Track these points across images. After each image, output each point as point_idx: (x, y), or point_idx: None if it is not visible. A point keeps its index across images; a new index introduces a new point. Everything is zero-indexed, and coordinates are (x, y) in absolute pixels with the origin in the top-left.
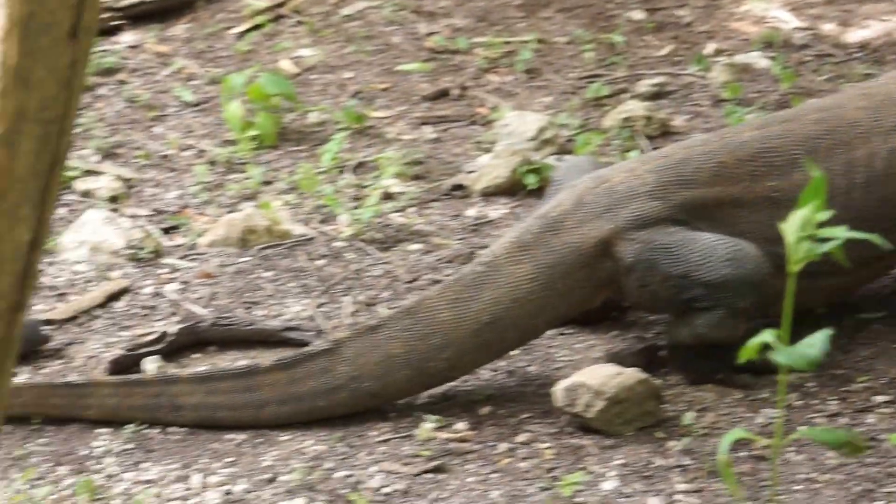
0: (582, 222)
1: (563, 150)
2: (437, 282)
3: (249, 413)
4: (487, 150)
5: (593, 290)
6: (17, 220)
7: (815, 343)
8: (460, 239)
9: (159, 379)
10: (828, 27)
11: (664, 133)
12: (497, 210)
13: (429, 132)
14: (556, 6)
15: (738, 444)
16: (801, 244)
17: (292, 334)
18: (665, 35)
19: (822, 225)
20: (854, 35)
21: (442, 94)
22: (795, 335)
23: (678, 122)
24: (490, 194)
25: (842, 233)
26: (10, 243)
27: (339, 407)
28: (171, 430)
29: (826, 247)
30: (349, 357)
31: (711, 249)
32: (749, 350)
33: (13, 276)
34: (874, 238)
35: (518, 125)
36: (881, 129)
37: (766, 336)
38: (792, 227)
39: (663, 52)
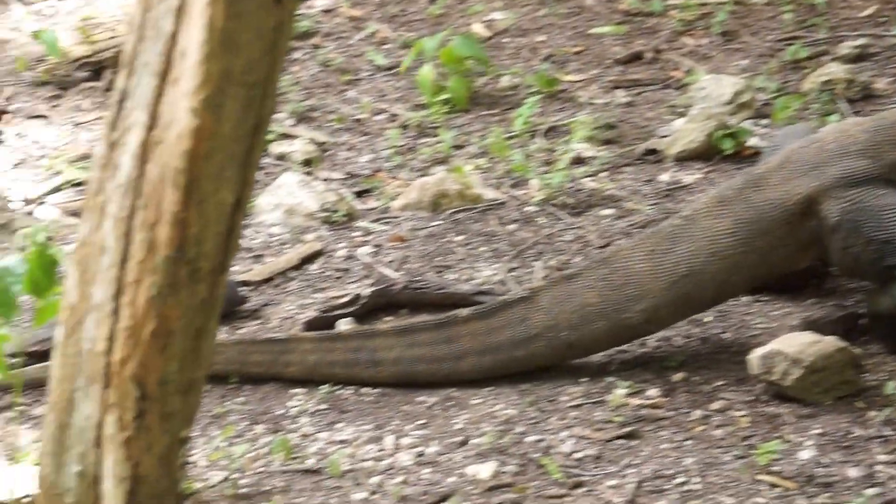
0: (786, 179)
1: (760, 115)
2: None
3: (448, 365)
4: (682, 115)
5: (794, 251)
6: (221, 182)
7: None
8: (653, 204)
9: (359, 333)
10: None
11: (866, 97)
12: (691, 175)
13: (621, 96)
14: None
15: None
16: None
17: (483, 298)
18: None
19: None
20: None
21: (635, 58)
22: None
23: (881, 84)
24: (684, 159)
25: None
26: (215, 205)
27: (537, 358)
28: (363, 391)
29: None
30: (546, 306)
31: None
32: None
33: (217, 238)
34: None
35: (714, 89)
36: None
37: None
38: None
39: (866, 12)
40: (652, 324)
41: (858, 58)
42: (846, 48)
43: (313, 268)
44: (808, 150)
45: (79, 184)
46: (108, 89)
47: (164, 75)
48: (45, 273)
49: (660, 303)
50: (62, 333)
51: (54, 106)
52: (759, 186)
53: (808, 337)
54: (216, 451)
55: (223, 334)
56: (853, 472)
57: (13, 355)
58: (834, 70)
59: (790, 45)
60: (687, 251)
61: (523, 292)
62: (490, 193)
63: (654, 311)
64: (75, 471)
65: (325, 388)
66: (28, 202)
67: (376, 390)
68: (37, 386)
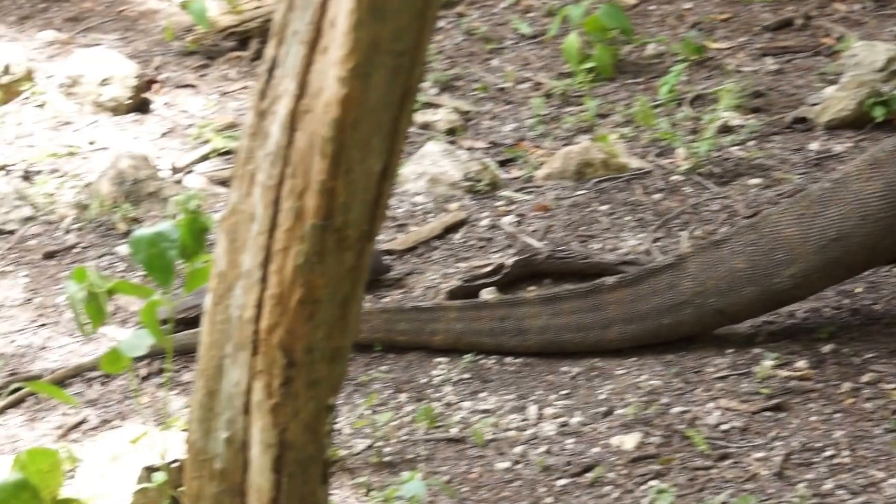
0: None
1: None
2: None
3: (595, 334)
4: (832, 82)
5: None
6: (369, 151)
7: None
8: (802, 173)
9: (505, 302)
10: None
11: None
12: (842, 144)
13: (770, 64)
14: None
15: None
16: None
17: (628, 268)
18: None
19: None
20: None
21: (785, 24)
22: None
23: None
24: (835, 127)
25: None
26: (363, 173)
27: (684, 325)
28: (506, 360)
29: None
30: (693, 272)
31: None
32: None
33: (364, 206)
34: None
35: (866, 55)
36: None
37: None
38: None
39: None
40: (801, 289)
41: None
42: None
43: (457, 237)
44: None
45: (225, 152)
46: (255, 59)
47: (313, 44)
48: (195, 240)
49: (809, 267)
50: (211, 301)
51: (202, 76)
52: None
53: None
54: (360, 419)
55: (368, 303)
56: None
57: (164, 321)
58: None
59: None
60: (837, 214)
61: (671, 259)
62: (635, 162)
63: (803, 277)
64: (224, 437)
65: (468, 358)
66: (176, 171)
67: (519, 360)
68: (185, 353)
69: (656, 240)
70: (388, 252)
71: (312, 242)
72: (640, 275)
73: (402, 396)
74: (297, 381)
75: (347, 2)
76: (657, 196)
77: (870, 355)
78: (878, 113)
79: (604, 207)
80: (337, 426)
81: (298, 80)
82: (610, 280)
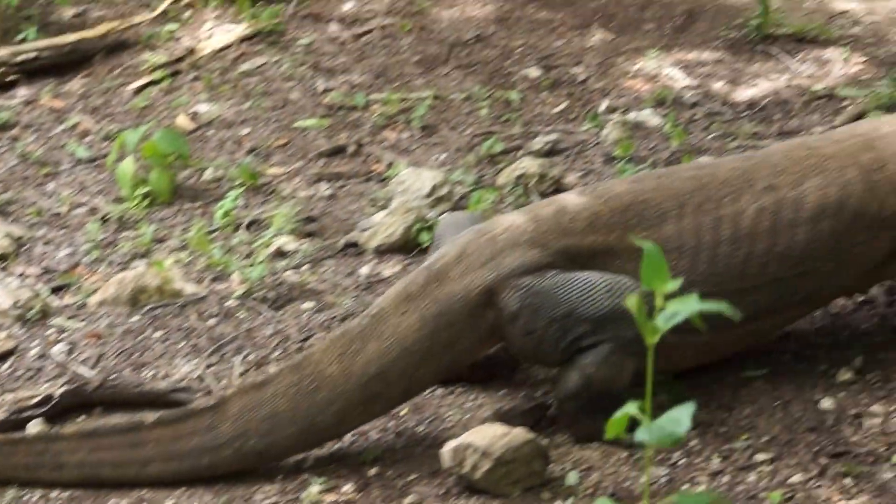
0: (465, 272)
1: (458, 207)
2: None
3: (133, 470)
4: (383, 207)
5: (479, 341)
6: None
7: (679, 419)
8: (353, 297)
9: (43, 436)
10: (717, 86)
11: (557, 190)
12: (391, 268)
13: (324, 189)
14: (454, 63)
15: None
16: (650, 319)
17: (180, 395)
18: (560, 92)
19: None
20: (742, 94)
21: (338, 151)
22: (677, 393)
23: (571, 178)
24: (384, 252)
25: (691, 304)
26: None
27: (224, 466)
28: (52, 495)
29: (677, 319)
30: (234, 414)
31: (590, 285)
32: (615, 424)
33: None
34: (724, 308)
35: (413, 182)
36: (751, 189)
37: (631, 408)
38: (638, 302)
39: (558, 109)
40: (344, 426)
41: (550, 152)
42: (538, 143)
43: (3, 368)
44: (482, 242)
45: None
46: None
47: None
48: None
49: (352, 404)
50: None
51: None
52: (441, 280)
53: (499, 429)
54: None
55: None
56: None
57: None
58: (527, 164)
59: (486, 139)
60: (376, 350)
61: (212, 400)
62: (190, 287)
63: (346, 413)
64: None
65: (11, 493)
66: None
67: (66, 493)
68: None
69: (210, 366)
70: None
71: None
72: (181, 415)
73: None
74: None
75: None
76: (211, 321)
77: (412, 477)
78: (425, 238)
79: (158, 334)
80: None
81: None
82: (150, 418)
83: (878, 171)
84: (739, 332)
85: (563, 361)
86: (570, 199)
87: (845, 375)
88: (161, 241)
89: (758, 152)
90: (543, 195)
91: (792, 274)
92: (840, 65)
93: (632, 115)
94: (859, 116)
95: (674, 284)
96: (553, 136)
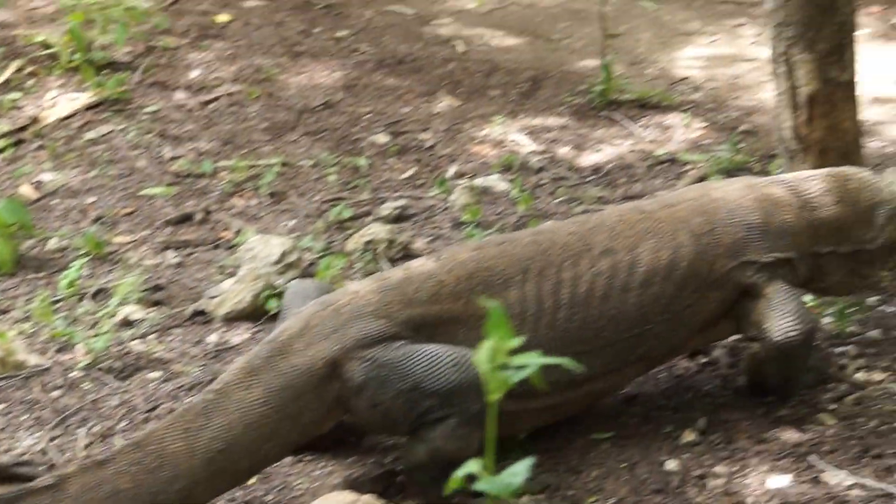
0: (309, 344)
1: (307, 274)
2: (175, 411)
3: None
4: (231, 275)
5: (324, 413)
6: None
7: (517, 472)
8: (201, 366)
9: None
10: (563, 151)
11: (406, 256)
12: (239, 335)
13: (172, 257)
14: (302, 130)
15: None
16: (495, 374)
17: (23, 469)
18: (408, 158)
19: (514, 352)
20: (587, 159)
21: (186, 219)
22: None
23: (419, 244)
24: (232, 319)
25: (534, 359)
26: None
27: None
28: None
29: (521, 374)
30: (74, 494)
31: (436, 358)
32: (455, 481)
33: None
34: (566, 362)
35: (262, 249)
36: (589, 254)
37: (472, 466)
38: (483, 357)
39: (406, 175)
40: (190, 501)
41: (398, 218)
42: (387, 209)
43: None
44: (326, 314)
45: None
46: None
47: None
48: None
49: (196, 481)
50: None
51: None
52: (285, 353)
53: (347, 496)
54: None
55: None
56: None
57: None
58: (375, 230)
59: (335, 206)
60: (221, 425)
61: (51, 479)
62: (34, 359)
63: (190, 490)
64: None
65: None
66: None
67: None
68: None
69: (53, 438)
70: None
71: None
72: (18, 495)
73: None
74: None
75: None
76: (56, 393)
77: None
78: (273, 305)
79: (0, 407)
80: None
81: None
82: None
83: (708, 234)
84: (580, 392)
85: (410, 432)
86: (415, 269)
87: (689, 437)
88: (4, 312)
89: (594, 215)
90: (392, 261)
91: (627, 336)
92: (682, 130)
93: (479, 181)
94: (700, 180)
95: (516, 341)
96: (401, 202)
